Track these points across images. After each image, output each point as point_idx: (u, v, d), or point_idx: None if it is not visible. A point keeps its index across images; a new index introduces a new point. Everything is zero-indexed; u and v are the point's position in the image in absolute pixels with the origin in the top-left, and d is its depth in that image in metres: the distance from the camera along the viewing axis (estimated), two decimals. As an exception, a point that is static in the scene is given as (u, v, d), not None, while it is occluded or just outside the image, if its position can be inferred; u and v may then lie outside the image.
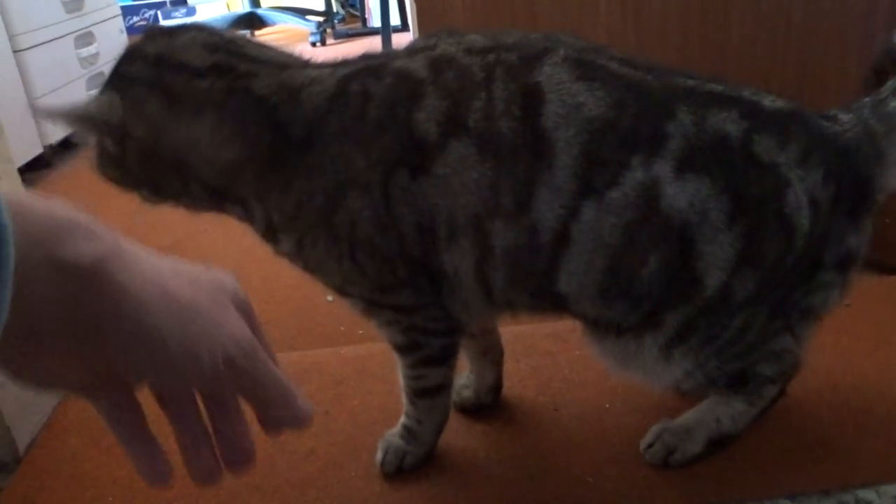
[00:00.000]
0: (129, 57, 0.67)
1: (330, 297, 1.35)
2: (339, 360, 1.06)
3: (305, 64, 0.70)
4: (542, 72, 0.65)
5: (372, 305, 0.74)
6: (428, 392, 0.80)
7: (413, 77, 0.66)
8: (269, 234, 0.71)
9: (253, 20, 3.92)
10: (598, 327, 0.73)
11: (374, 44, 3.42)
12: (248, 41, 0.72)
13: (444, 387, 0.81)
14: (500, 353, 0.90)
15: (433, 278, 0.70)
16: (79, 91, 2.46)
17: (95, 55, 2.57)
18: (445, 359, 0.78)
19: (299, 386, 0.48)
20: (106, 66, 2.65)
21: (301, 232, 0.69)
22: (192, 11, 4.85)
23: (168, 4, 5.01)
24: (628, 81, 0.65)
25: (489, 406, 0.91)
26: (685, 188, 0.64)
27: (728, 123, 0.65)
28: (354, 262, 0.69)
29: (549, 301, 0.71)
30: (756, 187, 0.65)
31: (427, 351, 0.77)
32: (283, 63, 0.69)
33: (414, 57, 0.67)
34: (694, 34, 1.26)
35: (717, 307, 0.68)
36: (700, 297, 0.67)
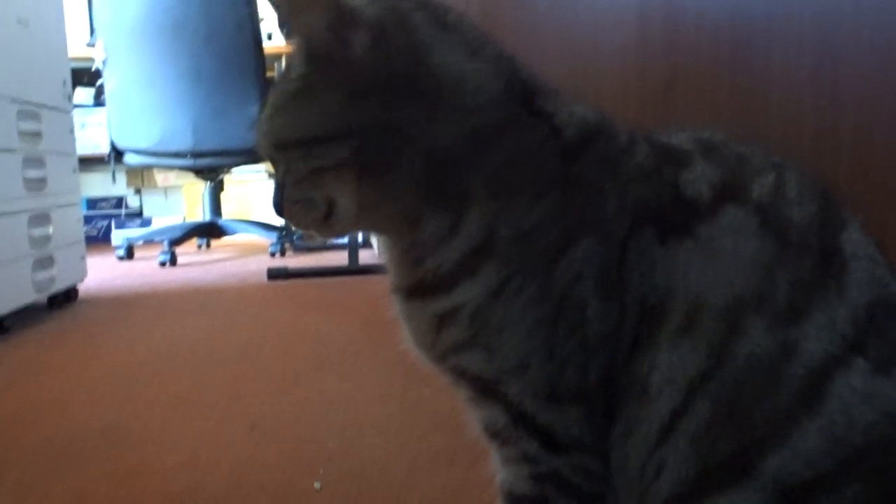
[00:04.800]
0: None
1: (317, 484, 1.09)
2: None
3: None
4: (845, 214, 0.56)
5: (518, 424, 0.56)
6: None
7: (678, 147, 0.59)
8: (470, 261, 0.55)
9: (213, 229, 3.86)
10: None
11: (337, 257, 3.39)
12: None
13: None
14: None
15: (612, 407, 0.55)
16: (24, 272, 2.26)
17: (48, 238, 2.41)
18: None
19: None
20: (57, 250, 2.50)
21: (517, 265, 0.54)
22: (147, 222, 4.81)
23: (123, 216, 4.98)
24: None
25: None
26: None
27: None
28: (548, 335, 0.54)
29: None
30: None
31: None
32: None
33: (674, 135, 0.61)
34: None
35: None
36: None
